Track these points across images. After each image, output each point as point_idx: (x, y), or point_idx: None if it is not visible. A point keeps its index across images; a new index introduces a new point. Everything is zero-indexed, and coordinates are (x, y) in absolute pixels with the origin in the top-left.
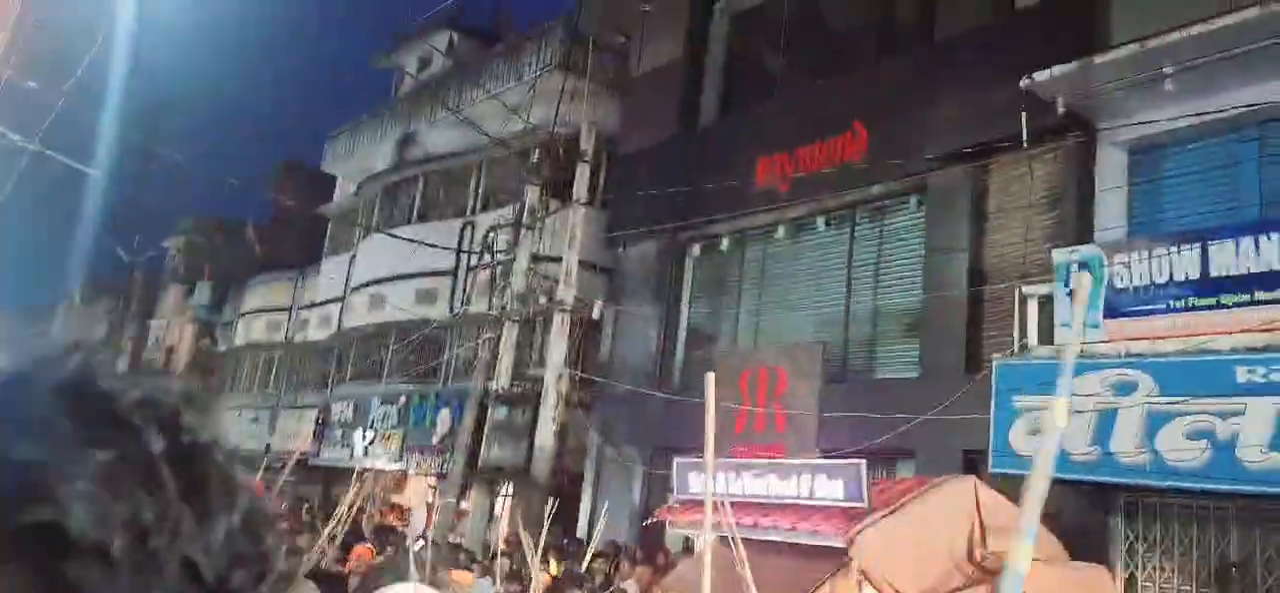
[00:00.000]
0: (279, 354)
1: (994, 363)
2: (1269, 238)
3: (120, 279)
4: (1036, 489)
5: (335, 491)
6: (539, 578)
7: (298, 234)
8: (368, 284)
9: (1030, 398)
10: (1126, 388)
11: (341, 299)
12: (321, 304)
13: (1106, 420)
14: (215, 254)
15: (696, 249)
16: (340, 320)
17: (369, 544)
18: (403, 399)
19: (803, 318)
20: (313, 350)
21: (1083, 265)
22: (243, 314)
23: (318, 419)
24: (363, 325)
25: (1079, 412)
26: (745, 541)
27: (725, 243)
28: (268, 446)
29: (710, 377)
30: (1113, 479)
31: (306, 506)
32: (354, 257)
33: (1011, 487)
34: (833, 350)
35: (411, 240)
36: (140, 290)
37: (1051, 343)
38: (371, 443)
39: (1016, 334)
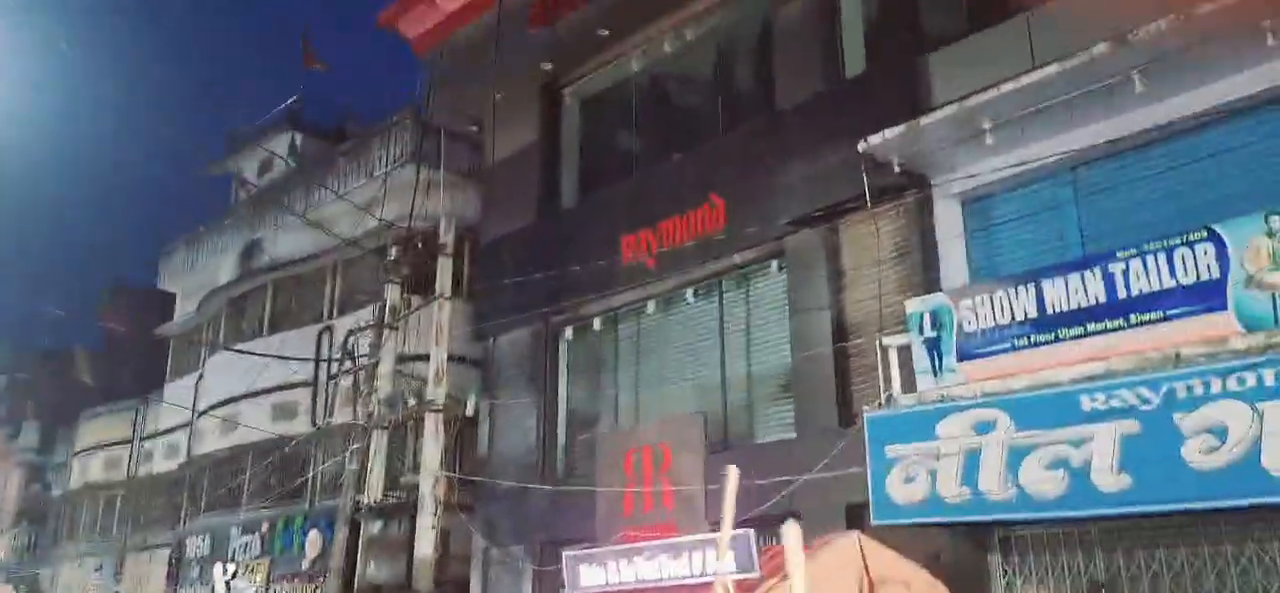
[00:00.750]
0: (121, 493)
1: (864, 416)
2: (1093, 273)
3: None
4: None
5: None
6: None
7: (136, 359)
8: (218, 405)
9: (902, 446)
10: (986, 426)
11: (189, 425)
12: (167, 432)
13: (973, 460)
14: (41, 390)
15: (569, 332)
16: (189, 448)
17: None
18: (266, 525)
19: (681, 390)
20: (160, 484)
21: (933, 313)
22: (77, 453)
23: (171, 558)
24: (215, 451)
25: (947, 455)
26: None
27: (597, 323)
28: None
29: (732, 471)
30: (985, 517)
31: None
32: (200, 377)
33: (894, 536)
34: (714, 420)
35: (263, 355)
36: None
37: (914, 391)
38: (233, 576)
39: (882, 385)
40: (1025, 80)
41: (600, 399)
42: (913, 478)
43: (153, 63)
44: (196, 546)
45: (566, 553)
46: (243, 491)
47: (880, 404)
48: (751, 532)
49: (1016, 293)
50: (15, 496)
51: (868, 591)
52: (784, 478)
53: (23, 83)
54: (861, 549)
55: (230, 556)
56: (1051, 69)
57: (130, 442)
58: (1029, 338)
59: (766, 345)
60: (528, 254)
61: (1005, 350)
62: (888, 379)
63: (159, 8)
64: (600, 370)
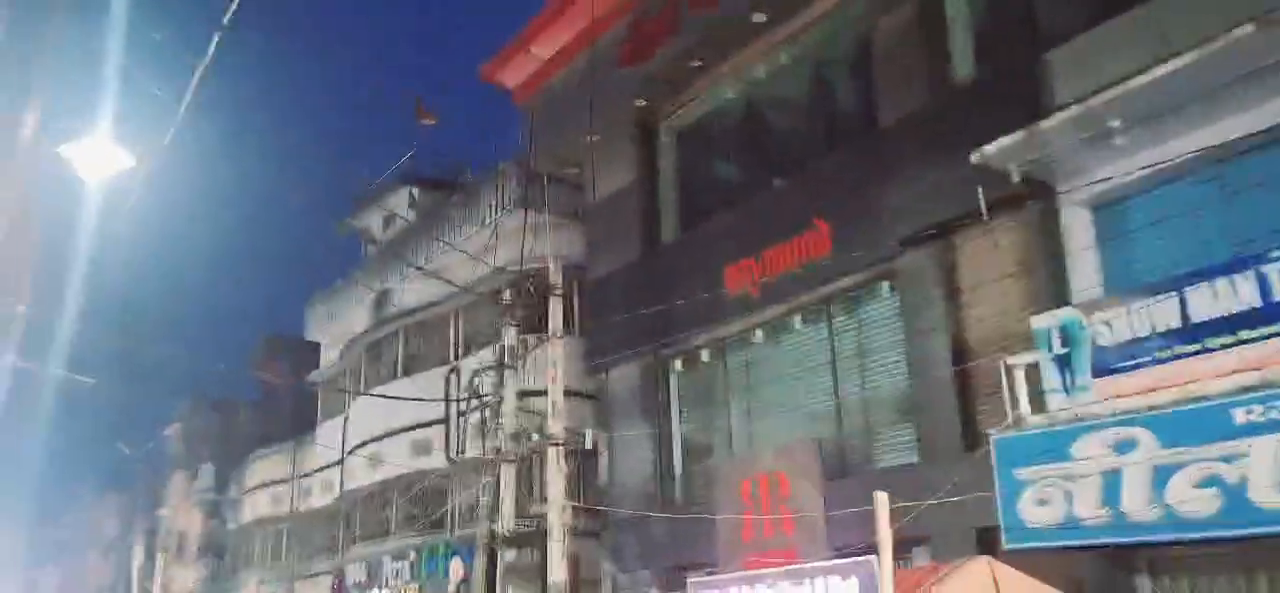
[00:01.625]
0: (286, 525)
1: (992, 438)
2: (1243, 276)
3: (126, 477)
4: None
5: None
6: None
7: (290, 404)
8: (363, 444)
9: (1032, 469)
10: (1127, 446)
11: (340, 463)
12: (321, 470)
13: (1113, 480)
14: (213, 436)
15: (678, 364)
16: (341, 484)
17: None
18: (413, 554)
19: (794, 417)
20: (319, 517)
21: (1063, 328)
22: (247, 491)
23: (333, 585)
24: (363, 486)
25: (1083, 477)
26: None
27: (705, 354)
28: None
29: (881, 497)
30: (1128, 539)
31: None
32: (346, 419)
33: (1030, 561)
34: (829, 446)
35: (398, 398)
36: (146, 482)
37: (1044, 411)
38: None
39: (1009, 406)
40: (1159, 72)
41: (714, 429)
42: (1046, 501)
43: (283, 128)
44: (354, 572)
45: (691, 579)
46: (391, 521)
47: (1008, 426)
48: (873, 558)
49: (1157, 302)
50: (197, 531)
51: None
52: (909, 502)
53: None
54: (994, 574)
55: (384, 581)
56: (1189, 57)
57: (290, 479)
58: (1172, 350)
59: (882, 369)
60: (634, 289)
61: (1146, 364)
62: (1014, 400)
63: (279, 74)
64: (711, 401)
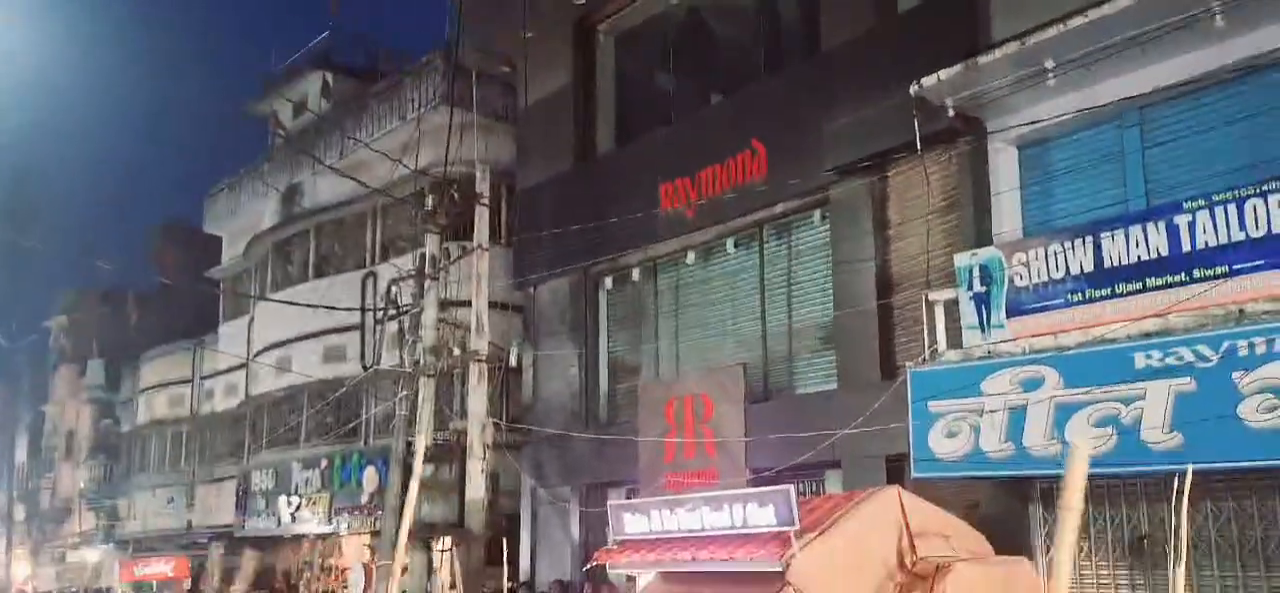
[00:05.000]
0: (187, 429)
1: (908, 371)
2: (1156, 225)
3: (6, 369)
4: None
5: (267, 559)
6: None
7: (191, 300)
8: (271, 347)
9: (945, 403)
10: (1033, 384)
11: (245, 366)
12: (226, 372)
13: (1017, 416)
14: (103, 330)
15: (608, 282)
16: (247, 388)
17: None
18: (324, 462)
19: (722, 340)
20: (223, 422)
21: (983, 267)
22: (143, 391)
23: (238, 490)
24: (271, 391)
25: (991, 411)
26: (688, 573)
27: (636, 273)
28: (189, 523)
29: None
30: (1028, 472)
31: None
32: (252, 320)
33: (934, 490)
34: (754, 370)
35: (307, 305)
36: (29, 377)
37: (960, 347)
38: (298, 509)
39: (926, 340)
40: (1094, 14)
41: (641, 349)
42: (955, 433)
43: (193, 6)
44: (260, 479)
45: (611, 502)
46: (301, 428)
47: (924, 360)
48: (791, 488)
49: (1073, 246)
50: (88, 431)
51: (908, 543)
52: (825, 431)
53: (67, 30)
54: (902, 505)
55: (293, 489)
56: (1124, 2)
57: (191, 381)
58: (1084, 293)
59: (808, 297)
60: (566, 202)
61: (1058, 306)
62: (933, 334)
63: None
64: (640, 320)
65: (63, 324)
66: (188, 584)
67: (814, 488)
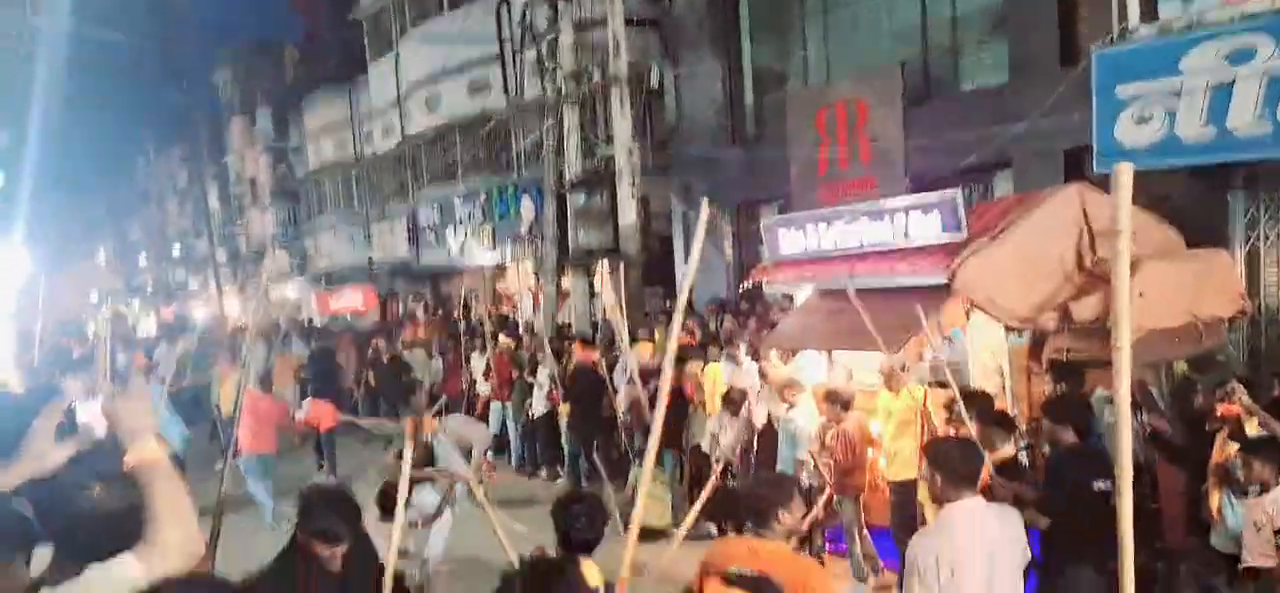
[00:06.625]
0: (354, 171)
1: (1093, 52)
2: None
3: (186, 127)
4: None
5: (443, 288)
6: (635, 352)
7: (340, 44)
8: (419, 85)
9: (1135, 85)
10: (1244, 56)
11: (398, 106)
12: (381, 113)
13: (1222, 95)
14: (265, 80)
15: None
16: (402, 127)
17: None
18: (483, 195)
19: (876, 38)
20: (385, 162)
21: None
22: (309, 136)
23: (408, 226)
24: (425, 130)
25: (1191, 92)
26: (846, 291)
27: None
28: (370, 258)
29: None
30: (1232, 157)
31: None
32: (397, 58)
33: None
34: (913, 69)
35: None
36: (208, 131)
37: (1155, 21)
38: (464, 240)
39: (1115, 15)
40: None
41: (788, 55)
42: (1146, 119)
43: None
44: (428, 215)
45: (764, 220)
46: (458, 165)
47: (1112, 39)
48: (957, 192)
49: None
50: (267, 178)
51: (1088, 243)
52: (995, 128)
53: None
54: (1083, 203)
55: (457, 222)
56: None
57: (351, 124)
58: None
59: None
60: None
61: None
62: (1124, 9)
63: None
64: (786, 24)
65: (226, 78)
66: (377, 312)
67: (982, 192)
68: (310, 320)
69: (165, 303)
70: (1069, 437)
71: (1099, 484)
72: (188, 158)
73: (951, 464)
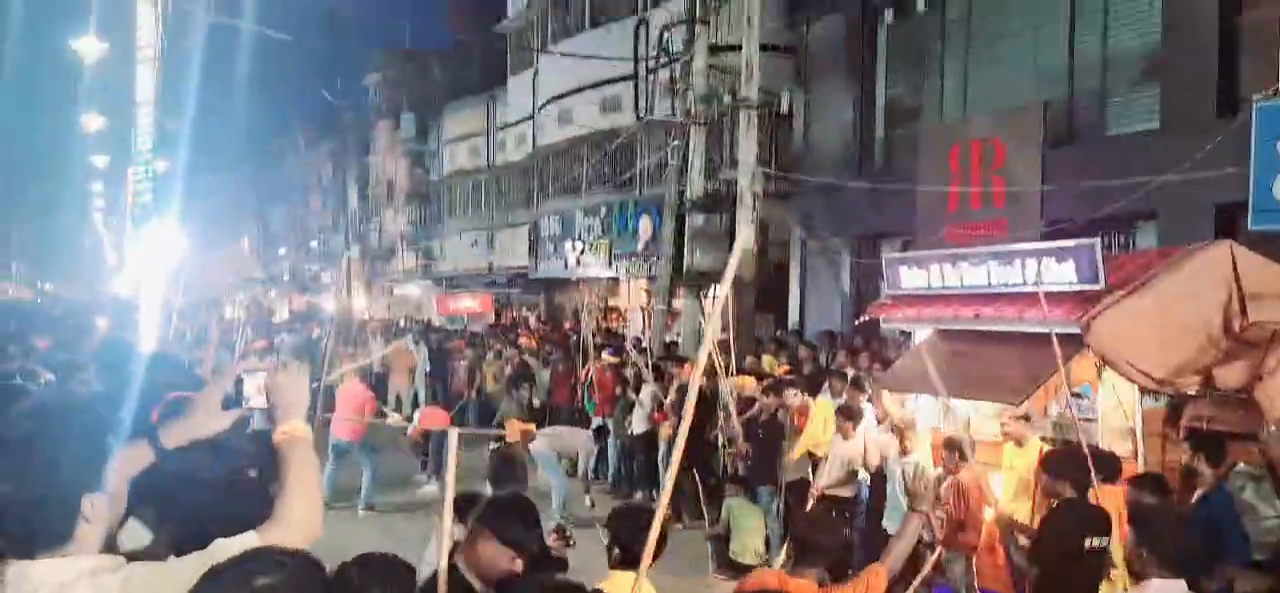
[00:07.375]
0: (484, 178)
1: (1254, 104)
2: None
3: (334, 126)
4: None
5: (556, 299)
6: (731, 381)
7: (483, 56)
8: (554, 99)
9: None
10: None
11: (531, 118)
12: (515, 124)
13: None
14: (410, 86)
15: (889, 15)
16: (534, 139)
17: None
18: (604, 210)
19: (1018, 76)
20: (514, 171)
21: None
22: (446, 142)
23: (530, 235)
24: (555, 142)
25: None
26: (969, 332)
27: (921, 3)
28: (490, 264)
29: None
30: None
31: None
32: (536, 73)
33: (1272, 245)
34: (1056, 110)
35: (583, 56)
36: (354, 131)
37: None
38: (582, 253)
39: None
40: None
41: (923, 89)
42: None
43: None
44: (548, 226)
45: (887, 254)
46: (582, 178)
47: (1276, 91)
48: (1096, 242)
49: None
50: (404, 180)
51: (1238, 306)
52: (1142, 176)
53: None
54: (1233, 261)
55: (577, 235)
56: None
57: (486, 133)
58: None
59: (1129, 19)
60: None
61: None
62: None
63: None
64: (923, 58)
65: (377, 81)
66: (491, 317)
67: (1122, 243)
68: (429, 321)
69: (298, 292)
70: (1067, 491)
71: (1091, 541)
72: (334, 154)
73: (1164, 547)
